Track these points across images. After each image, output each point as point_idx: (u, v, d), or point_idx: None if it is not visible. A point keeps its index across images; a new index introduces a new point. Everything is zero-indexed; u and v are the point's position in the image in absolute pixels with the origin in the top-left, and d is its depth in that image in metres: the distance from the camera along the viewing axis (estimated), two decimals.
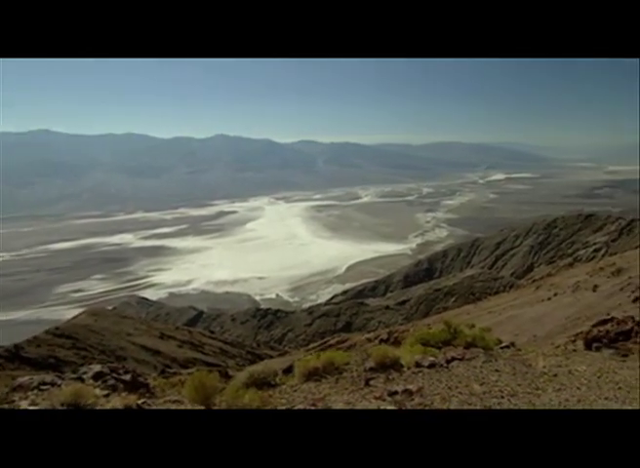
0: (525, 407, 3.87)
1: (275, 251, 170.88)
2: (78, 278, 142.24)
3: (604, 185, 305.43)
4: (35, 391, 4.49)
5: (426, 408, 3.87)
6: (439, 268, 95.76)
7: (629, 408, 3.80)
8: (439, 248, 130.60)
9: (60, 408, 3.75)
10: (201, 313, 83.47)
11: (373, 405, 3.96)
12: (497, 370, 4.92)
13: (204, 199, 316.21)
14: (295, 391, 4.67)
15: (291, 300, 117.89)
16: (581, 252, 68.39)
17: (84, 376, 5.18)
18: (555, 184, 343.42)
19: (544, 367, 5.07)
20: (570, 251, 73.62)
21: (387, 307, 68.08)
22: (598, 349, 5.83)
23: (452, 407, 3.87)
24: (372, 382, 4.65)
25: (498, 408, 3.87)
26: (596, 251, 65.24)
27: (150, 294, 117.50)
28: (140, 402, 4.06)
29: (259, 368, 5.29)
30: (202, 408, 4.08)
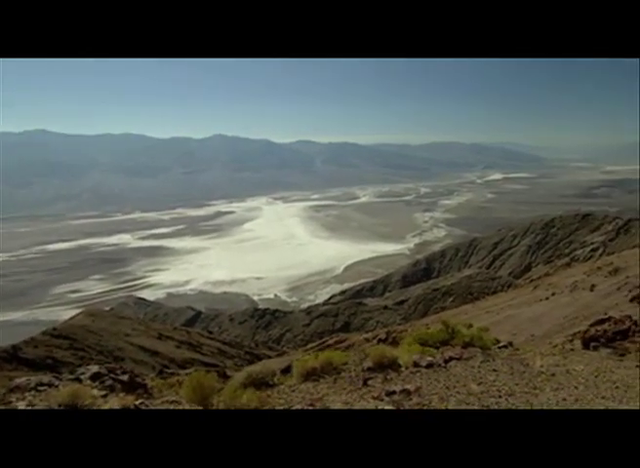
0: (523, 406, 3.88)
1: (273, 251, 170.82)
2: (76, 278, 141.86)
3: (601, 185, 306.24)
4: (32, 392, 4.47)
5: (424, 407, 3.88)
6: (437, 268, 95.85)
7: (627, 406, 3.82)
8: (437, 248, 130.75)
9: (57, 408, 3.74)
10: (199, 313, 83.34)
11: (371, 405, 3.96)
12: (494, 370, 4.93)
13: (202, 199, 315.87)
14: (293, 391, 4.67)
15: (289, 300, 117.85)
16: (579, 251, 68.56)
17: (81, 377, 5.17)
18: (553, 184, 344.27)
19: (542, 366, 5.08)
20: (567, 250, 73.78)
21: (385, 307, 68.12)
22: (596, 348, 5.85)
23: (450, 406, 3.88)
24: (370, 382, 4.65)
25: (495, 407, 3.87)
26: (593, 250, 65.40)
27: (148, 295, 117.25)
28: (137, 402, 4.06)
29: (257, 368, 5.29)
30: (200, 408, 4.07)
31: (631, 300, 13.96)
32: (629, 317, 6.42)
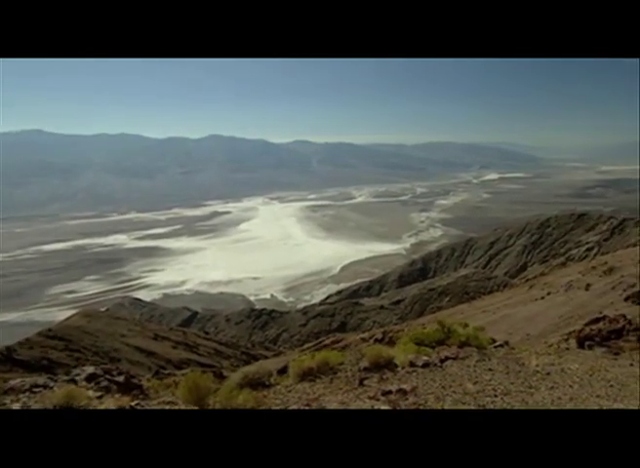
0: (518, 405, 3.89)
1: (269, 251, 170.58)
2: (71, 279, 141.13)
3: (596, 185, 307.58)
4: (27, 393, 4.45)
5: (420, 407, 3.88)
6: (433, 268, 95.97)
7: (621, 404, 3.84)
8: (433, 247, 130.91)
9: (52, 408, 3.72)
10: (195, 314, 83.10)
11: (367, 404, 3.97)
12: (490, 369, 4.95)
13: (198, 199, 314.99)
14: (289, 391, 4.67)
15: (285, 301, 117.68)
16: (574, 251, 68.86)
17: (77, 378, 5.15)
18: (548, 184, 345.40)
19: (537, 365, 5.11)
20: (562, 250, 74.08)
21: (382, 307, 68.14)
22: (590, 347, 5.88)
23: (446, 406, 3.89)
24: (366, 382, 4.66)
25: (491, 406, 3.89)
26: (588, 250, 65.70)
27: (144, 295, 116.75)
28: (133, 403, 4.05)
29: (253, 368, 5.28)
30: (196, 408, 4.07)
31: (626, 299, 14.05)
32: (624, 316, 6.46)
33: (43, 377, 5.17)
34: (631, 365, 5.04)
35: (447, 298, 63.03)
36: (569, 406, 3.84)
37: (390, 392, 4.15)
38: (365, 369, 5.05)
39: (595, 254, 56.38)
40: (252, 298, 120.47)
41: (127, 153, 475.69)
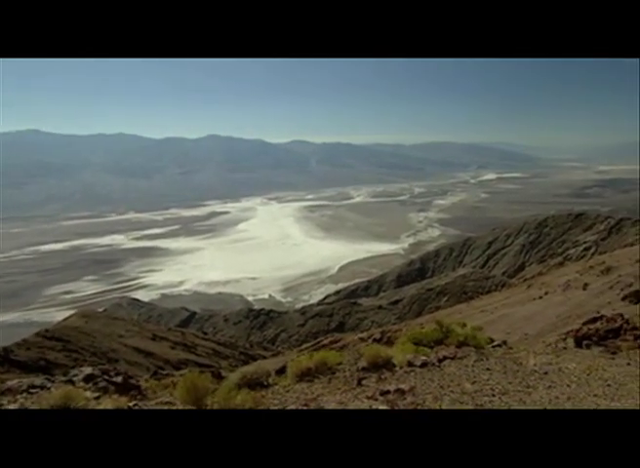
0: (516, 404, 3.90)
1: (268, 251, 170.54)
2: (69, 279, 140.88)
3: (594, 185, 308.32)
4: (24, 394, 4.44)
5: (418, 407, 3.89)
6: (431, 268, 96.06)
7: (618, 403, 3.85)
8: (431, 247, 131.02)
9: (49, 408, 3.71)
10: (193, 314, 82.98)
11: (365, 404, 3.97)
12: (488, 369, 4.96)
13: (196, 199, 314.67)
14: (287, 391, 4.67)
15: (283, 301, 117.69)
16: (572, 250, 68.96)
17: (74, 379, 5.14)
18: (546, 184, 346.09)
19: (535, 365, 5.12)
20: (560, 250, 74.18)
21: (380, 307, 68.17)
22: (588, 347, 5.89)
23: (444, 405, 3.89)
24: (364, 382, 4.66)
25: (489, 406, 3.89)
26: (586, 249, 65.81)
27: (142, 296, 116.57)
28: (131, 404, 4.04)
29: (251, 368, 5.28)
30: (194, 408, 4.06)
31: (623, 299, 14.08)
32: (621, 315, 6.48)
33: (40, 378, 5.16)
34: (628, 364, 5.05)
35: (445, 298, 63.10)
36: (566, 405, 3.85)
37: (388, 392, 4.15)
38: (363, 368, 5.05)
39: (593, 254, 56.49)
40: (250, 298, 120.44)
41: (124, 153, 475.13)
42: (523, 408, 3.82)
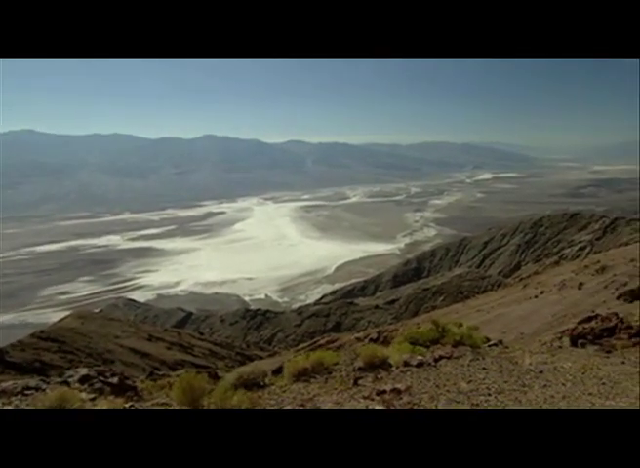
0: (512, 403, 3.91)
1: (264, 251, 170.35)
2: (65, 280, 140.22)
3: (589, 185, 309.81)
4: (19, 396, 4.42)
5: (415, 406, 3.89)
6: (427, 267, 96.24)
7: (613, 402, 3.87)
8: (427, 247, 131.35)
9: (44, 409, 3.69)
10: (190, 314, 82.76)
11: (361, 404, 3.97)
12: (484, 368, 4.98)
13: (192, 200, 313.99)
14: (284, 392, 4.66)
15: (280, 301, 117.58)
16: (567, 250, 69.26)
17: (70, 380, 5.12)
18: (541, 184, 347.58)
19: (531, 364, 5.14)
20: (556, 249, 74.50)
21: (376, 307, 68.22)
22: (583, 346, 5.92)
23: (440, 405, 3.90)
24: (360, 382, 4.66)
25: (485, 405, 3.91)
26: (581, 249, 66.13)
27: (138, 296, 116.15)
28: (127, 405, 4.03)
29: (248, 369, 5.27)
30: (190, 408, 4.05)
31: (618, 298, 14.16)
32: (616, 314, 6.52)
33: (35, 380, 5.14)
34: (623, 362, 5.08)
35: (441, 298, 63.23)
36: (562, 403, 3.87)
37: (385, 391, 4.15)
38: (359, 368, 5.06)
39: (588, 253, 56.79)
40: (246, 299, 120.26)
41: (120, 153, 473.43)
42: (519, 407, 3.83)
